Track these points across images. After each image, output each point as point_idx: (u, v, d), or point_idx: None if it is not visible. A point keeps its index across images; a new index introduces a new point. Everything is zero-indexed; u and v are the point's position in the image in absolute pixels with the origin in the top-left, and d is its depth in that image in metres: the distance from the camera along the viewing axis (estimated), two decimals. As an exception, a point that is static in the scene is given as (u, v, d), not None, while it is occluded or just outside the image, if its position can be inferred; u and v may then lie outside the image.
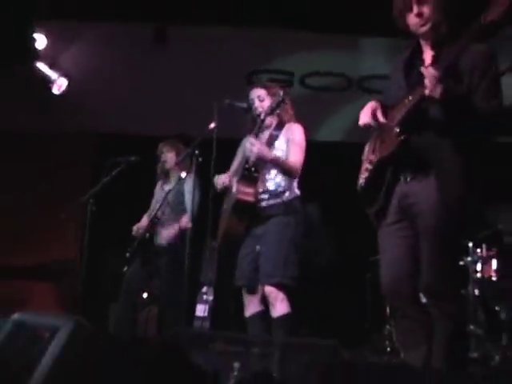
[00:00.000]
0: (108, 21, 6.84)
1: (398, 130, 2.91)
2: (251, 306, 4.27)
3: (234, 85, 6.40)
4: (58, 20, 6.74)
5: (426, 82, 2.73)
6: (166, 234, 5.46)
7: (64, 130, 7.00)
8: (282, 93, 4.22)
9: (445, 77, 2.71)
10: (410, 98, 2.88)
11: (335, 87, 7.11)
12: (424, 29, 2.99)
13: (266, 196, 4.24)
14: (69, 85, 6.81)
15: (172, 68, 6.95)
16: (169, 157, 5.71)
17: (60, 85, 6.77)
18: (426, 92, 2.74)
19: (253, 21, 6.67)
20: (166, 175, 5.78)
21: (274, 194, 4.23)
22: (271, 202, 4.22)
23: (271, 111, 4.23)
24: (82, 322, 2.34)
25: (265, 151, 4.13)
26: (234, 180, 4.31)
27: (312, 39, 7.03)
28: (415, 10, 2.98)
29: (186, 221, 5.22)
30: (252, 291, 4.25)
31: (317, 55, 7.08)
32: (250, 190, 4.16)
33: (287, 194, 4.25)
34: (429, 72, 2.72)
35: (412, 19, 3.00)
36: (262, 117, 4.26)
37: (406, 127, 2.90)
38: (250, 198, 4.16)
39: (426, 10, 2.96)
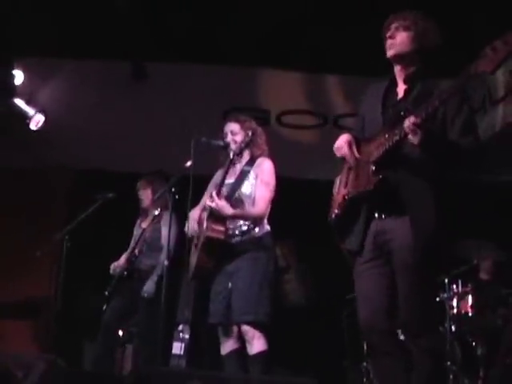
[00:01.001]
0: (85, 57, 6.86)
1: (374, 169, 2.93)
2: (227, 344, 4.25)
3: (212, 122, 6.43)
4: (36, 56, 6.74)
5: (406, 128, 2.74)
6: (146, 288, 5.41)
7: (41, 165, 6.97)
8: (250, 133, 4.26)
9: (425, 123, 2.73)
10: (387, 136, 2.89)
11: (311, 125, 7.17)
12: (390, 52, 3.05)
13: (236, 233, 4.25)
14: (46, 121, 6.79)
15: (150, 104, 6.96)
16: (144, 195, 5.71)
17: (37, 121, 6.74)
18: (409, 138, 2.75)
19: (231, 59, 6.73)
20: (144, 213, 5.77)
21: (244, 231, 4.25)
22: (241, 238, 4.24)
23: (240, 151, 4.30)
24: (56, 361, 2.31)
25: (225, 209, 4.11)
26: (205, 215, 4.31)
27: (288, 78, 7.11)
28: (390, 32, 3.04)
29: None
30: (227, 329, 4.23)
31: (293, 93, 7.14)
32: (219, 228, 4.16)
33: (257, 230, 4.27)
34: (409, 120, 2.73)
35: (387, 42, 3.06)
36: (231, 155, 4.31)
37: (382, 166, 2.92)
38: (220, 236, 4.17)
39: (399, 36, 3.02)
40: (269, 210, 4.30)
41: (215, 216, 4.17)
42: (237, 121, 4.47)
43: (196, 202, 4.51)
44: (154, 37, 6.45)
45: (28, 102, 6.72)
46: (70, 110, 6.95)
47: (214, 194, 4.15)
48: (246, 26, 6.21)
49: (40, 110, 6.74)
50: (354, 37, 5.80)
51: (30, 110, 6.71)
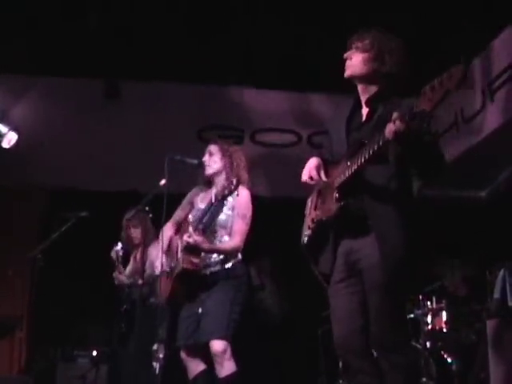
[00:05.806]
0: (58, 75, 6.83)
1: (337, 196, 2.95)
2: (193, 366, 4.24)
3: (186, 141, 6.44)
4: (8, 74, 6.70)
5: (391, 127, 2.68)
6: None
7: (13, 184, 6.91)
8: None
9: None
10: (349, 163, 2.91)
11: (285, 143, 7.21)
12: (345, 73, 3.08)
13: (209, 264, 4.28)
14: (19, 139, 6.74)
15: (123, 123, 6.95)
16: (135, 233, 5.59)
17: (10, 139, 6.69)
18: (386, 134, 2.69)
19: (204, 77, 6.75)
20: (136, 248, 5.65)
21: (217, 262, 4.28)
22: (215, 269, 4.28)
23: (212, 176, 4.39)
24: (28, 382, 2.28)
25: (202, 244, 4.13)
26: (178, 244, 4.34)
27: (262, 96, 7.14)
28: (348, 53, 3.07)
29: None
30: (192, 352, 4.23)
31: (267, 111, 7.17)
32: (194, 260, 4.20)
33: (229, 262, 4.30)
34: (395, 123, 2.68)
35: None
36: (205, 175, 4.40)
37: (345, 192, 2.95)
38: (195, 267, 4.21)
39: (355, 57, 3.04)
40: (241, 246, 4.31)
41: (191, 248, 4.19)
42: (216, 143, 4.52)
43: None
44: (126, 55, 6.45)
45: (0, 120, 6.67)
46: (43, 128, 6.91)
47: (190, 229, 4.15)
48: (219, 44, 6.24)
49: (13, 128, 6.69)
50: (329, 55, 5.85)
51: (2, 128, 6.67)
